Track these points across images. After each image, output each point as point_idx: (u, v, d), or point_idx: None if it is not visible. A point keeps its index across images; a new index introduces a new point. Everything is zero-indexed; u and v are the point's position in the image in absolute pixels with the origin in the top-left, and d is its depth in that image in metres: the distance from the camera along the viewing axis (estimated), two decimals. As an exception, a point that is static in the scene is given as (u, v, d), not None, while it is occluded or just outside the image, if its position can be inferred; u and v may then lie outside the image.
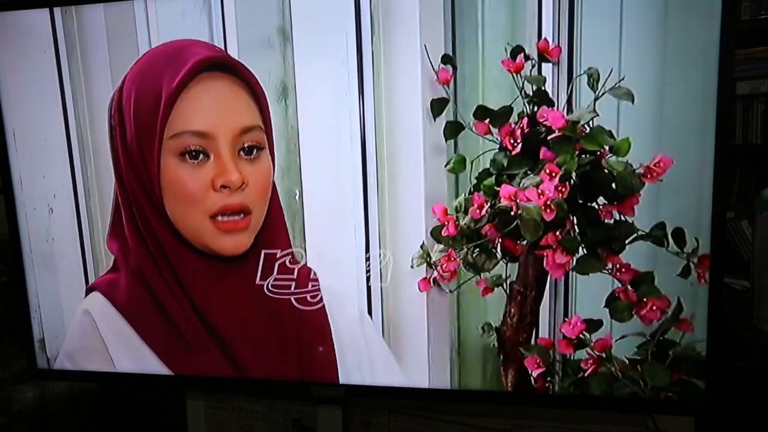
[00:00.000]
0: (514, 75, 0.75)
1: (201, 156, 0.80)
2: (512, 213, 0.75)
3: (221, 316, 0.88)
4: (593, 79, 0.73)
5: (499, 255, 0.79)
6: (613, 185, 0.74)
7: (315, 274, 0.85)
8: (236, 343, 0.88)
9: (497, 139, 0.76)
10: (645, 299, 0.75)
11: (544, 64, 0.74)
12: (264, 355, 0.88)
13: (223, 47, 0.82)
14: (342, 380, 0.87)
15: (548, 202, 0.73)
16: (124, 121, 0.83)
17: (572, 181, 0.74)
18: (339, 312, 0.85)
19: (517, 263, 0.79)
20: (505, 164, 0.76)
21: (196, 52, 0.81)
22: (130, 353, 0.91)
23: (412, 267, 0.82)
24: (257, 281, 0.86)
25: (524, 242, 0.77)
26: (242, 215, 0.82)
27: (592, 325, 0.78)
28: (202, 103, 0.80)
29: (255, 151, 0.81)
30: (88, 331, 0.91)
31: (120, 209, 0.87)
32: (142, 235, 0.86)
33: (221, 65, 0.81)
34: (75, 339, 0.93)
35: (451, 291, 0.81)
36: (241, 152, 0.81)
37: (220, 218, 0.82)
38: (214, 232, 0.82)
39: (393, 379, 0.85)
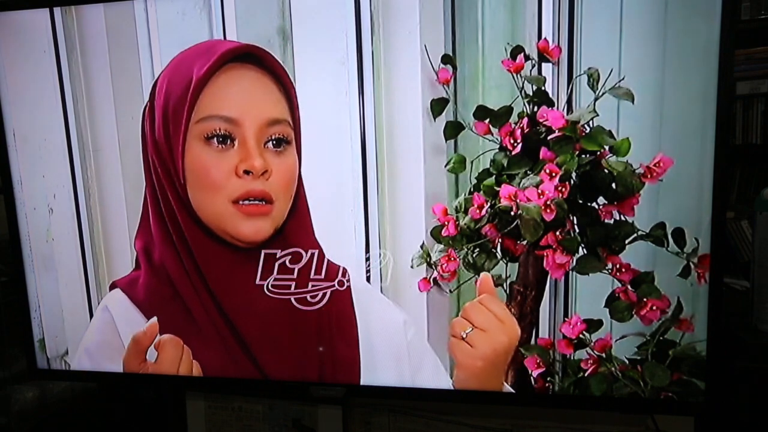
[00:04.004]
0: (514, 75, 0.75)
1: (227, 141, 0.80)
2: (512, 213, 0.75)
3: (238, 309, 0.86)
4: (593, 79, 0.73)
5: (499, 255, 0.79)
6: (613, 185, 0.74)
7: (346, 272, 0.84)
8: (253, 341, 0.87)
9: (497, 139, 0.76)
10: (645, 299, 0.75)
11: (544, 64, 0.74)
12: (282, 356, 0.87)
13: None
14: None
15: (548, 202, 0.73)
16: (154, 112, 0.83)
17: (572, 181, 0.74)
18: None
19: (517, 263, 0.79)
20: (505, 164, 0.76)
21: (227, 44, 0.82)
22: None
23: (412, 267, 0.82)
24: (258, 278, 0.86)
25: (524, 242, 0.77)
26: (264, 202, 0.81)
27: (592, 325, 0.78)
28: (231, 90, 0.80)
29: (282, 144, 0.81)
30: (106, 327, 0.90)
31: (148, 206, 0.86)
32: (167, 226, 0.85)
33: (252, 56, 0.81)
34: (93, 334, 0.92)
35: (451, 291, 0.81)
36: (269, 144, 0.81)
37: (242, 203, 0.81)
38: (235, 215, 0.82)
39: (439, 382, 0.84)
